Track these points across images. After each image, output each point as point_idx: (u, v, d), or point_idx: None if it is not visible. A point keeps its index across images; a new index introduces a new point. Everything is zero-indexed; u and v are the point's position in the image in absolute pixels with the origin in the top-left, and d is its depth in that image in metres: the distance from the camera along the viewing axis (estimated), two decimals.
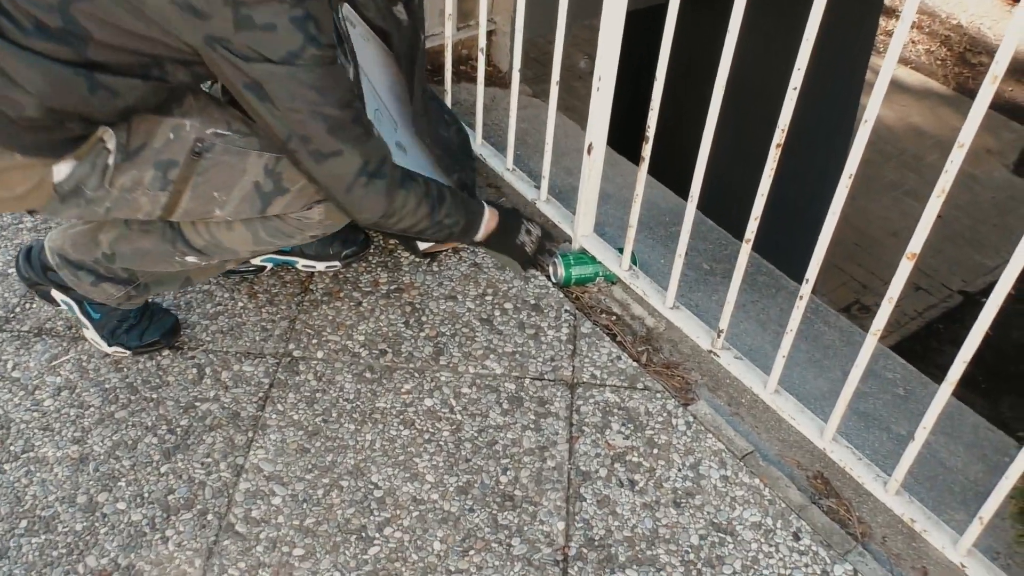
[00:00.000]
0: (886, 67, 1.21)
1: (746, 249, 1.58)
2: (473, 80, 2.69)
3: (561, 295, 1.93)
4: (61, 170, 1.40)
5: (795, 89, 1.37)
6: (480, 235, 1.70)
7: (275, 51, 1.27)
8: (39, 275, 1.69)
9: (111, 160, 1.42)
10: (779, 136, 1.42)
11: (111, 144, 1.41)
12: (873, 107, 1.26)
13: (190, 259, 1.61)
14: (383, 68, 2.00)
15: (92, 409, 1.66)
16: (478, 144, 2.25)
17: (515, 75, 2.00)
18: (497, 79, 2.78)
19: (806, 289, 1.50)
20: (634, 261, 1.90)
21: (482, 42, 2.10)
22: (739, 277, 1.62)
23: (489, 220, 1.70)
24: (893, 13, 7.33)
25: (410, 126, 1.96)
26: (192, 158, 1.46)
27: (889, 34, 7.21)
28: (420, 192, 1.52)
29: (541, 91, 2.92)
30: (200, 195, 1.49)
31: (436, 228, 1.59)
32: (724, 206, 2.42)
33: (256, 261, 1.90)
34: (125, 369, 1.73)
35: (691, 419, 1.68)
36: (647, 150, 1.71)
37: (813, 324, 1.93)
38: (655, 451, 1.63)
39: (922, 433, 1.39)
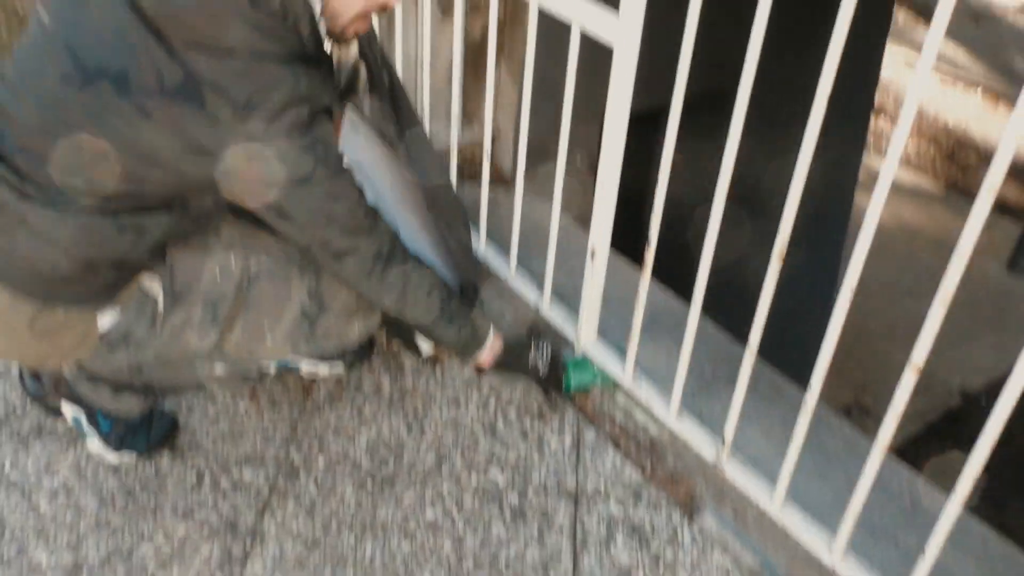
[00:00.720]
0: (885, 172, 1.24)
1: (749, 357, 1.58)
2: (474, 179, 2.74)
3: (564, 402, 1.91)
4: (105, 320, 1.43)
5: (795, 199, 1.39)
6: (486, 353, 1.75)
7: (289, 177, 1.31)
8: (49, 388, 1.66)
9: (160, 306, 1.45)
10: (780, 245, 1.43)
11: (156, 290, 1.44)
12: (872, 216, 1.28)
13: (218, 368, 1.62)
14: (388, 168, 2.03)
15: (88, 514, 1.63)
16: (481, 245, 2.27)
17: (519, 180, 2.04)
18: (499, 179, 2.82)
19: (811, 399, 1.49)
20: (601, 379, 1.92)
21: (487, 145, 2.14)
22: (742, 389, 1.61)
23: (494, 339, 1.77)
24: (881, 111, 7.52)
25: (416, 228, 1.98)
26: (240, 293, 1.50)
27: (879, 134, 7.38)
28: (432, 278, 1.59)
29: (541, 188, 2.97)
30: (250, 326, 1.54)
31: (448, 320, 1.63)
32: (724, 305, 2.43)
33: None
34: (123, 473, 1.70)
35: (697, 533, 1.65)
36: (650, 255, 1.72)
37: (816, 431, 1.89)
38: (661, 568, 1.59)
39: (933, 550, 1.36)
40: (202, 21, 1.21)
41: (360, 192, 1.44)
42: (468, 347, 1.73)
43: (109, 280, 1.40)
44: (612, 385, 1.92)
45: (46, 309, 1.37)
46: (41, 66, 1.29)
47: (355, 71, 1.76)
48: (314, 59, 1.34)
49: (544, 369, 1.82)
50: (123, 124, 1.24)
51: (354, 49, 1.74)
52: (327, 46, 1.42)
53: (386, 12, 1.47)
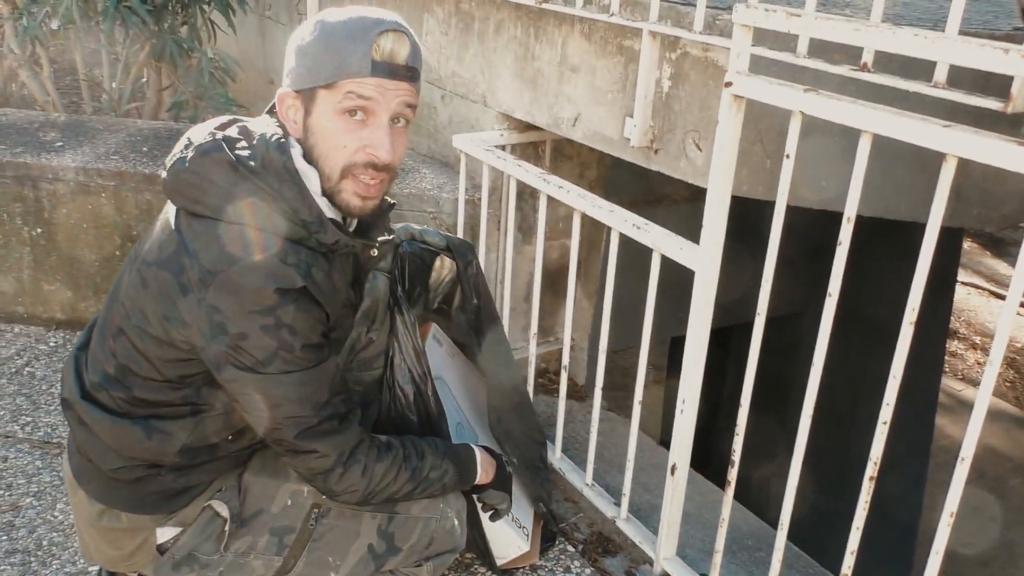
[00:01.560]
0: (980, 402, 1.24)
1: None
2: (550, 392, 2.79)
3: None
4: (166, 533, 1.48)
5: (885, 424, 1.39)
6: (481, 476, 1.63)
7: (246, 359, 1.26)
8: None
9: (227, 527, 1.48)
10: (871, 469, 1.42)
11: (224, 513, 1.48)
12: (969, 445, 1.27)
13: None
14: (467, 381, 2.10)
15: None
16: (557, 457, 2.28)
17: (597, 392, 2.07)
18: (573, 392, 2.86)
19: None
20: None
21: (566, 359, 2.20)
22: None
23: (484, 461, 1.64)
24: (955, 334, 7.46)
25: (492, 437, 2.01)
26: (309, 525, 1.51)
27: (953, 355, 7.29)
28: (398, 459, 1.46)
29: (614, 403, 2.99)
30: (315, 560, 1.53)
31: (426, 486, 1.51)
32: (808, 529, 2.35)
33: None
34: None
35: None
36: (733, 474, 1.71)
37: None
38: None
39: None
40: (192, 182, 1.28)
41: (332, 391, 1.35)
42: (460, 486, 1.61)
43: (163, 490, 1.45)
44: None
45: (109, 511, 1.45)
46: (123, 272, 1.43)
47: (452, 290, 1.87)
48: (319, 240, 1.30)
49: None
50: (133, 295, 1.33)
51: (447, 267, 1.86)
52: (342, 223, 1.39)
53: (381, 172, 1.32)
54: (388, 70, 1.27)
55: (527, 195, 2.56)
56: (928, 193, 1.30)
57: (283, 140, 1.30)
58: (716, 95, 1.74)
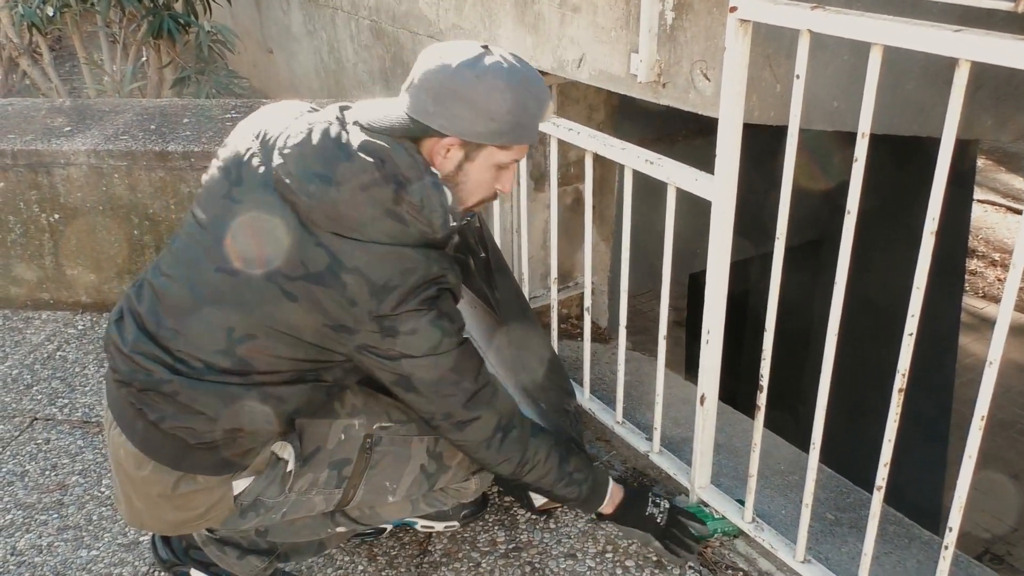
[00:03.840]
0: (1003, 314, 1.24)
1: (879, 497, 1.54)
2: (572, 337, 2.81)
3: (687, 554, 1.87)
4: (240, 485, 1.52)
5: (911, 335, 1.40)
6: (606, 504, 1.78)
7: (418, 349, 1.40)
8: (180, 555, 1.72)
9: (290, 468, 1.53)
10: (900, 381, 1.43)
11: (287, 455, 1.53)
12: (997, 345, 1.28)
13: (341, 528, 1.67)
14: (489, 332, 2.11)
15: None
16: (586, 399, 2.31)
17: (622, 331, 2.09)
18: (596, 335, 2.88)
19: (951, 538, 1.44)
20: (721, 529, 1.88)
21: (587, 302, 2.21)
22: (874, 527, 1.56)
23: (614, 490, 1.80)
24: (974, 252, 7.41)
25: (518, 388, 2.04)
26: (364, 454, 1.59)
27: (973, 273, 7.25)
28: (550, 442, 1.62)
29: (636, 346, 3.01)
30: (373, 487, 1.61)
31: (566, 481, 1.66)
32: (836, 452, 2.38)
33: None
34: None
35: None
36: (762, 399, 1.73)
37: None
38: None
39: None
40: (352, 214, 1.34)
41: (481, 362, 1.51)
42: (588, 503, 1.76)
43: (243, 447, 1.48)
44: (733, 533, 1.89)
45: (186, 477, 1.46)
46: (196, 257, 1.44)
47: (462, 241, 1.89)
48: (443, 242, 1.45)
49: (662, 519, 1.80)
50: (271, 307, 1.37)
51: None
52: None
53: (495, 199, 1.59)
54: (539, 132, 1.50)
55: (537, 141, 2.55)
56: (940, 106, 1.29)
57: (436, 180, 1.40)
58: (721, 22, 1.73)
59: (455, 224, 1.45)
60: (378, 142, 1.38)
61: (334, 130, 1.39)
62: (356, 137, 1.39)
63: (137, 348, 1.44)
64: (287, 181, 1.36)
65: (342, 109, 1.45)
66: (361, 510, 1.67)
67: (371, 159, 1.36)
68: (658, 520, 1.81)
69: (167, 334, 1.43)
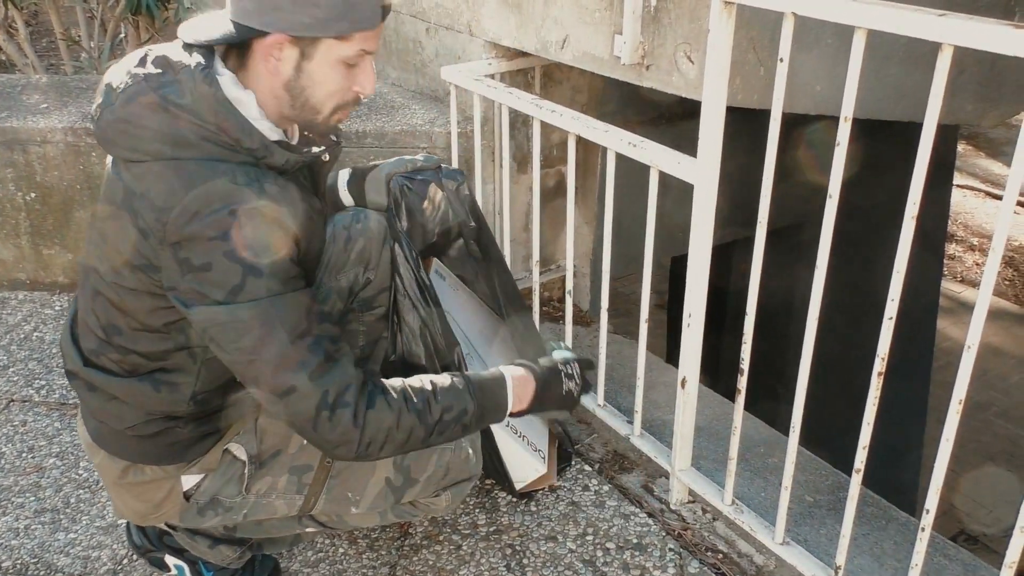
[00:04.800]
0: (982, 298, 1.25)
1: (857, 480, 1.55)
2: (555, 320, 2.81)
3: (663, 532, 1.89)
4: (189, 480, 1.51)
5: (891, 319, 1.41)
6: (514, 406, 1.48)
7: (215, 289, 1.22)
8: (154, 541, 1.71)
9: (246, 470, 1.51)
10: (879, 365, 1.44)
11: (242, 455, 1.50)
12: (975, 333, 1.28)
13: (310, 529, 1.66)
14: (472, 312, 2.12)
15: None
16: None
17: (603, 315, 2.09)
18: (578, 318, 2.88)
19: (928, 520, 1.45)
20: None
21: (569, 284, 2.21)
22: (852, 509, 1.58)
23: (521, 387, 1.48)
24: (953, 237, 7.47)
25: (501, 358, 2.04)
26: (325, 462, 1.53)
27: (951, 258, 7.31)
28: (396, 404, 1.32)
29: (617, 329, 3.02)
30: (335, 496, 1.56)
31: (441, 430, 1.37)
32: (815, 434, 2.40)
33: None
34: None
35: None
36: (743, 382, 1.74)
37: (932, 558, 1.84)
38: None
39: None
40: (125, 131, 1.24)
41: (312, 318, 1.28)
42: (485, 422, 1.48)
43: (182, 440, 1.47)
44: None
45: (133, 467, 1.49)
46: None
47: (448, 218, 1.88)
48: (264, 158, 1.28)
49: (578, 390, 1.60)
50: (99, 256, 1.34)
51: (439, 195, 1.86)
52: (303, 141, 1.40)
53: (359, 105, 1.39)
54: (385, 15, 1.29)
55: (520, 123, 2.54)
56: (922, 91, 1.29)
57: (208, 70, 1.25)
58: (705, 5, 1.72)
59: (283, 139, 1.31)
60: (164, 54, 1.27)
61: (137, 58, 1.30)
62: (155, 54, 1.29)
63: (64, 342, 1.49)
64: (97, 124, 1.29)
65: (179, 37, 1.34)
66: (327, 515, 1.63)
67: (149, 70, 1.25)
68: (576, 392, 1.58)
69: (78, 327, 1.47)
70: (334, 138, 1.46)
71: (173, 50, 1.29)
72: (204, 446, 1.50)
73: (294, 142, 1.41)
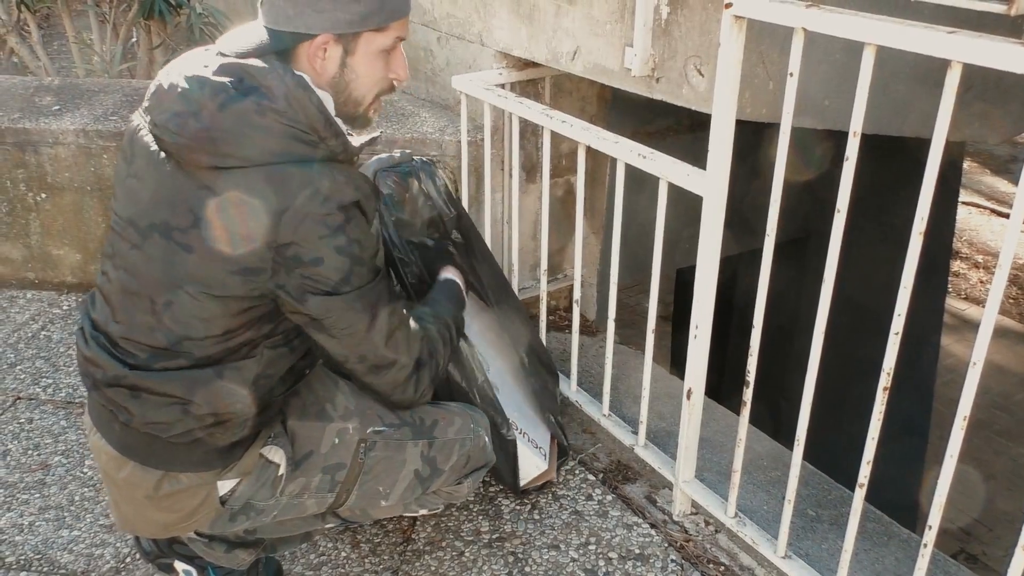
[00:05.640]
0: (987, 316, 1.26)
1: (860, 495, 1.56)
2: (560, 329, 2.82)
3: (666, 543, 1.89)
4: (225, 485, 1.48)
5: (897, 334, 1.41)
6: (462, 284, 1.83)
7: (326, 281, 1.31)
8: (164, 548, 1.70)
9: (282, 471, 1.50)
10: (885, 380, 1.45)
11: (278, 458, 1.49)
12: (980, 350, 1.29)
13: (329, 525, 1.66)
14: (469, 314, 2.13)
15: None
16: (573, 390, 2.31)
17: (610, 324, 2.10)
18: (584, 328, 2.89)
19: (930, 536, 1.45)
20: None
21: (577, 294, 2.22)
22: (855, 524, 1.58)
23: (455, 275, 1.83)
24: (957, 254, 7.47)
25: (503, 367, 2.05)
26: (358, 460, 1.55)
27: (956, 275, 7.31)
28: (441, 341, 1.56)
29: (623, 336, 3.02)
30: (366, 491, 1.58)
31: (448, 341, 1.61)
32: (817, 447, 2.40)
33: None
34: None
35: None
36: (748, 395, 1.74)
37: (934, 575, 1.84)
38: None
39: None
40: (219, 139, 1.26)
41: (398, 299, 1.44)
42: (460, 314, 1.76)
43: (225, 440, 1.43)
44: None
45: (168, 476, 1.43)
46: (119, 247, 1.40)
47: (430, 212, 1.90)
48: (343, 154, 1.34)
49: (439, 195, 1.89)
50: (175, 265, 1.32)
51: (415, 188, 1.90)
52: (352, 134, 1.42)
53: (394, 91, 1.48)
54: (411, 2, 1.39)
55: (529, 133, 2.55)
56: (929, 107, 1.30)
57: (299, 75, 1.32)
58: (716, 19, 1.74)
59: (351, 132, 1.37)
60: (234, 61, 1.31)
61: (194, 68, 1.32)
62: (215, 64, 1.31)
63: (94, 348, 1.42)
64: (157, 133, 1.31)
65: (216, 48, 1.38)
66: (352, 511, 1.63)
67: (225, 79, 1.29)
68: (434, 196, 1.88)
69: (115, 329, 1.40)
70: (375, 130, 1.55)
71: (230, 60, 1.31)
72: (239, 451, 1.46)
73: None
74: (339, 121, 1.35)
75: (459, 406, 1.70)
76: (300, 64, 1.34)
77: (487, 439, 1.69)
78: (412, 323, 1.48)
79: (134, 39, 3.99)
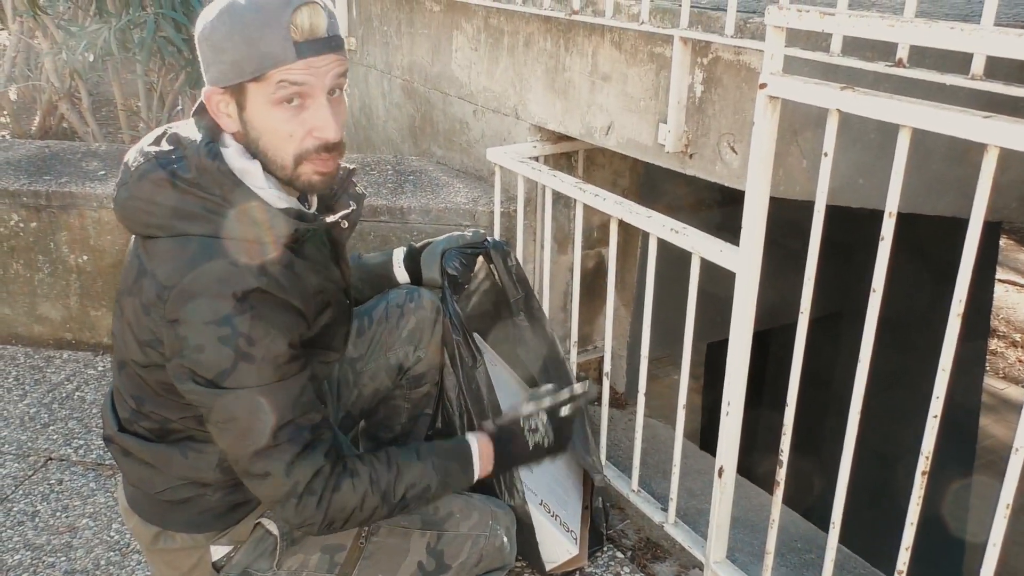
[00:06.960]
0: None
1: None
2: (590, 401, 2.80)
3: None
4: (219, 551, 1.51)
5: (935, 417, 1.39)
6: (481, 472, 1.48)
7: (206, 370, 1.23)
8: None
9: (278, 544, 1.50)
10: (924, 464, 1.42)
11: (274, 531, 1.50)
12: (1022, 435, 1.26)
13: None
14: (508, 388, 2.12)
15: None
16: (603, 465, 2.28)
17: (640, 398, 2.08)
18: (613, 400, 2.87)
19: None
20: None
21: (607, 367, 2.21)
22: None
23: (486, 452, 1.48)
24: (995, 332, 7.35)
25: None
26: (358, 543, 1.52)
27: (993, 353, 7.18)
28: (361, 486, 1.34)
29: (652, 408, 2.99)
30: None
31: (404, 506, 1.40)
32: (853, 530, 2.34)
33: None
34: None
35: None
36: (781, 474, 1.71)
37: None
38: None
39: None
40: (138, 208, 1.27)
41: (293, 412, 1.27)
42: (452, 490, 1.49)
43: (212, 508, 1.47)
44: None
45: (164, 533, 1.50)
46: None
47: (492, 291, 1.90)
48: (275, 233, 1.26)
49: (547, 435, 1.52)
50: (117, 329, 1.38)
51: (483, 269, 1.90)
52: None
53: (329, 151, 1.30)
54: (312, 48, 1.21)
55: (562, 205, 2.58)
56: (965, 187, 1.30)
57: (211, 144, 1.27)
58: (750, 97, 1.76)
59: (293, 207, 1.30)
60: (176, 132, 1.31)
61: (151, 138, 1.35)
62: (168, 133, 1.33)
63: (106, 405, 1.53)
64: (115, 202, 1.33)
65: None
66: None
67: (164, 147, 1.29)
68: (546, 443, 1.52)
69: (115, 389, 1.49)
70: (352, 204, 1.46)
71: (186, 127, 1.34)
72: (234, 517, 1.50)
73: (312, 209, 1.44)
74: (275, 193, 1.29)
75: (483, 499, 1.64)
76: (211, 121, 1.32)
77: (506, 539, 1.61)
78: (313, 451, 1.30)
79: (179, 107, 4.12)
